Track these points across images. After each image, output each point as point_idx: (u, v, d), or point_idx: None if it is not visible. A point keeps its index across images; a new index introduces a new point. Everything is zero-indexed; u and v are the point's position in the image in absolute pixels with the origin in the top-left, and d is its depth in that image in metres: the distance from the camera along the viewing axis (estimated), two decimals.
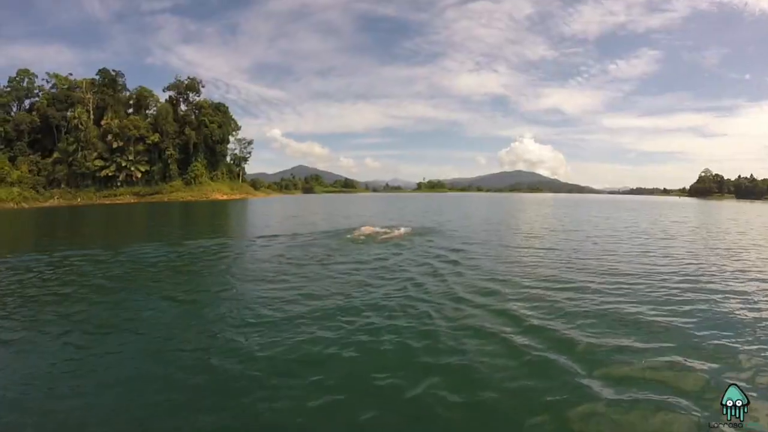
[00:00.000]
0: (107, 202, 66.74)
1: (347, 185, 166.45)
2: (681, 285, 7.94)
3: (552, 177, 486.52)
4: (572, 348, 4.82)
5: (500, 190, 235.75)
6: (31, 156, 69.78)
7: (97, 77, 75.26)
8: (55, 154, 70.11)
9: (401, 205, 46.91)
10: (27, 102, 74.40)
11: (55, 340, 5.27)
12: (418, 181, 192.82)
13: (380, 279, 8.25)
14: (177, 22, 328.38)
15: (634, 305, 6.54)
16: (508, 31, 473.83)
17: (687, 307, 6.46)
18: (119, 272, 9.27)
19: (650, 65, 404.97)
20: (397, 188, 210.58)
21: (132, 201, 67.82)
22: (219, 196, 71.03)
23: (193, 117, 74.86)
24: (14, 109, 73.75)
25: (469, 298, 6.89)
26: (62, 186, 69.22)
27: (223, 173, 78.15)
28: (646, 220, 25.93)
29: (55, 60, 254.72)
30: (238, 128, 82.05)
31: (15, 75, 73.97)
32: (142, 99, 75.32)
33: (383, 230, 14.66)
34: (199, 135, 73.53)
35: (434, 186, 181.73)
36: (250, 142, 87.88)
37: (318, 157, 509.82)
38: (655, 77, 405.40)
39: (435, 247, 12.55)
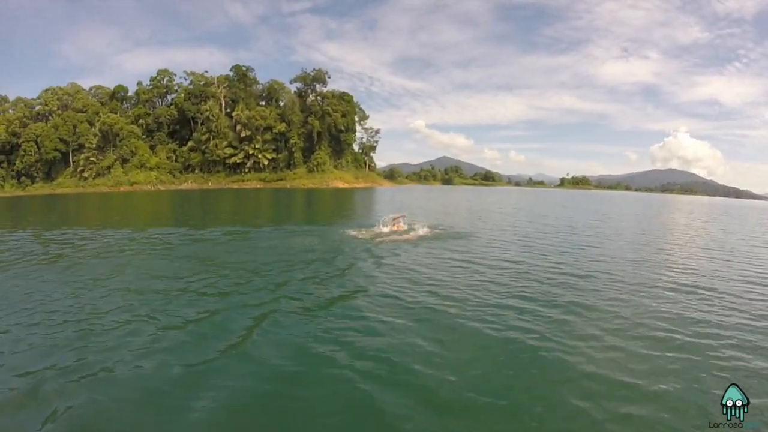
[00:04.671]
0: (235, 186, 66.08)
1: (486, 178, 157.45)
2: None
3: (708, 178, 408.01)
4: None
5: (650, 190, 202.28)
6: (169, 144, 72.85)
7: (230, 73, 77.26)
8: (190, 143, 72.40)
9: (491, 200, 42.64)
10: (168, 98, 78.24)
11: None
12: (561, 177, 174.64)
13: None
14: (317, 21, 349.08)
15: None
16: (656, 11, 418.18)
17: None
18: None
19: None
20: (540, 183, 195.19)
21: (258, 186, 66.38)
22: (341, 185, 66.80)
23: (318, 107, 72.49)
24: (157, 104, 77.95)
25: None
26: (196, 171, 71.13)
27: (348, 161, 74.38)
28: None
29: (208, 61, 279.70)
30: (366, 117, 79.37)
31: (155, 74, 78.73)
32: (273, 91, 76.49)
33: (402, 227, 13.52)
34: (322, 124, 71.20)
35: (578, 182, 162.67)
36: (377, 131, 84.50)
37: (461, 149, 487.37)
38: None
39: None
